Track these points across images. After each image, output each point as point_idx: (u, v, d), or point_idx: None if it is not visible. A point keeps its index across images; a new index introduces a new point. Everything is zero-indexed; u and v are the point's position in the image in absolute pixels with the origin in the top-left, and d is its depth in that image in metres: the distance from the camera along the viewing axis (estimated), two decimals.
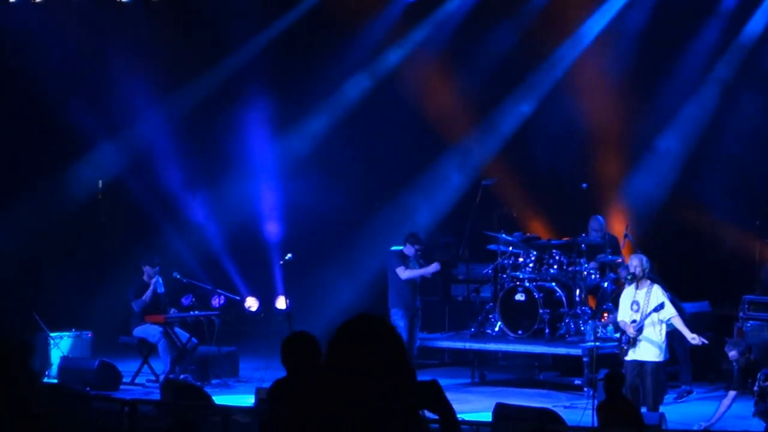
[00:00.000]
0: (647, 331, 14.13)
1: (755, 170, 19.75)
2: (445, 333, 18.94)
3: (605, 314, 17.48)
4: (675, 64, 20.50)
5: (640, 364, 14.12)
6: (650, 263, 14.72)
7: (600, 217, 18.29)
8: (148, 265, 17.49)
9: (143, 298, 17.20)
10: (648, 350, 14.14)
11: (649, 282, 14.49)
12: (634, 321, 14.20)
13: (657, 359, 14.10)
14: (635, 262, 14.48)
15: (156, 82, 20.80)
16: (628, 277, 14.41)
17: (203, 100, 21.45)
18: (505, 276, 17.90)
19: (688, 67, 20.48)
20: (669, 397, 15.65)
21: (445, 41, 21.38)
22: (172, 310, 17.58)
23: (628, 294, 14.48)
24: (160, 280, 17.41)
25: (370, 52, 21.61)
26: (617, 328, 14.50)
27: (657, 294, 14.30)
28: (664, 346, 14.19)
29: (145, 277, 17.46)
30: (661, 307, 14.11)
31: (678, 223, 19.89)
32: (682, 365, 16.41)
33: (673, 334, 15.40)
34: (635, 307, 14.25)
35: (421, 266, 16.83)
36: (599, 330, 16.47)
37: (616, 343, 14.90)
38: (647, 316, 14.08)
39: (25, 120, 20.28)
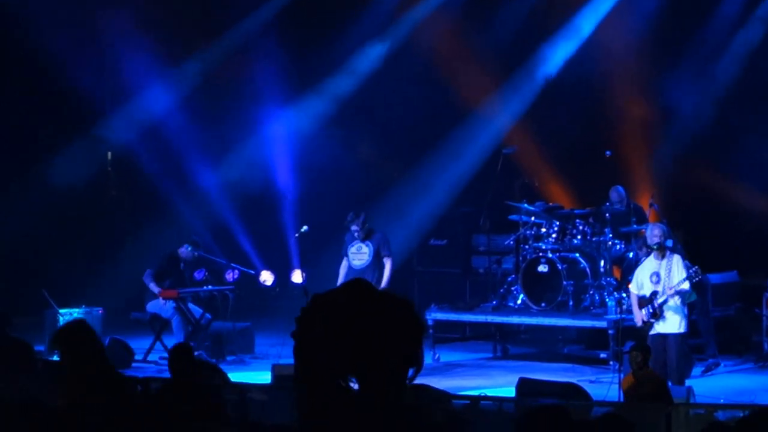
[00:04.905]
0: (669, 304, 14.03)
1: None
2: None
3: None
4: (701, 27, 20.17)
5: (663, 337, 14.01)
6: (672, 233, 14.47)
7: (620, 188, 17.96)
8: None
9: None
10: (670, 322, 14.06)
11: (668, 252, 14.34)
12: (655, 293, 14.09)
13: (679, 330, 14.01)
14: (657, 232, 14.20)
15: (166, 49, 20.58)
16: (655, 247, 14.08)
17: (215, 66, 21.24)
18: (527, 247, 17.67)
19: (714, 30, 20.12)
20: (697, 370, 15.43)
21: (465, 3, 21.01)
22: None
23: (648, 265, 14.34)
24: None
25: (388, 16, 21.41)
26: (642, 302, 14.12)
27: (679, 265, 14.17)
28: (685, 317, 14.09)
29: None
30: (685, 279, 13.98)
31: (705, 190, 19.57)
32: (706, 338, 16.22)
33: (693, 306, 15.09)
34: (655, 278, 14.18)
35: (368, 246, 16.24)
36: (624, 302, 16.13)
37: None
38: (673, 288, 13.84)
39: (32, 92, 20.09)
